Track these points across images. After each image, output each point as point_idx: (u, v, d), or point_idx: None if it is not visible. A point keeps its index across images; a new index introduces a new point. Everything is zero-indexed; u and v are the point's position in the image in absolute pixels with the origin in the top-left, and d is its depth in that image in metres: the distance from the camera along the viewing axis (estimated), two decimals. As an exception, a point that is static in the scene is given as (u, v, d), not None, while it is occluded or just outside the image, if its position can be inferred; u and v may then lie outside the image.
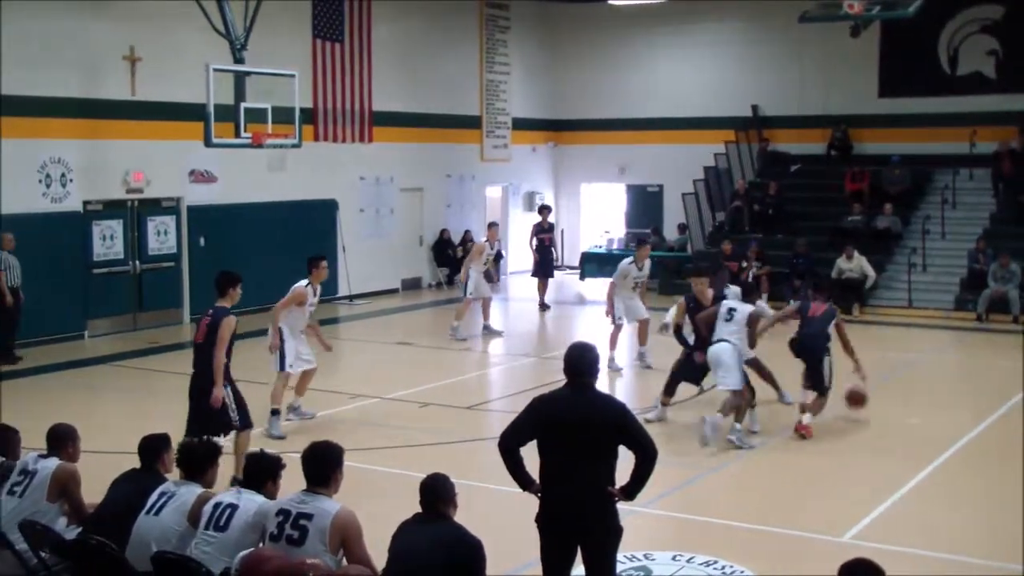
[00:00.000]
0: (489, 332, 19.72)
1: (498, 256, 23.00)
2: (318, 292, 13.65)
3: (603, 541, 6.84)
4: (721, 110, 28.16)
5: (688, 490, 11.11)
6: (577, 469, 6.73)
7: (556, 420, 6.80)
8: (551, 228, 24.42)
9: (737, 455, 12.28)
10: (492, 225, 20.76)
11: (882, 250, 23.76)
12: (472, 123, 28.73)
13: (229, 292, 10.71)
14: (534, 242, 23.80)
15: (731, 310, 12.96)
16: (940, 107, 25.74)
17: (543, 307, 23.32)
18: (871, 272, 22.55)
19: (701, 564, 8.89)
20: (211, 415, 10.36)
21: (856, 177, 25.69)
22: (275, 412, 13.17)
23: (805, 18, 23.37)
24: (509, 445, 6.88)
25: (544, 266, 23.60)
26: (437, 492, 6.45)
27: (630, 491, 6.82)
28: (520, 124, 30.27)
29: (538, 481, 6.89)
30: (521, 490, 6.98)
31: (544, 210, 24.26)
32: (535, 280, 23.71)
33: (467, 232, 27.73)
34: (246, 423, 10.75)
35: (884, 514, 10.25)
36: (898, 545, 9.25)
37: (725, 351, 12.66)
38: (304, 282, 13.39)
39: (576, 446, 6.72)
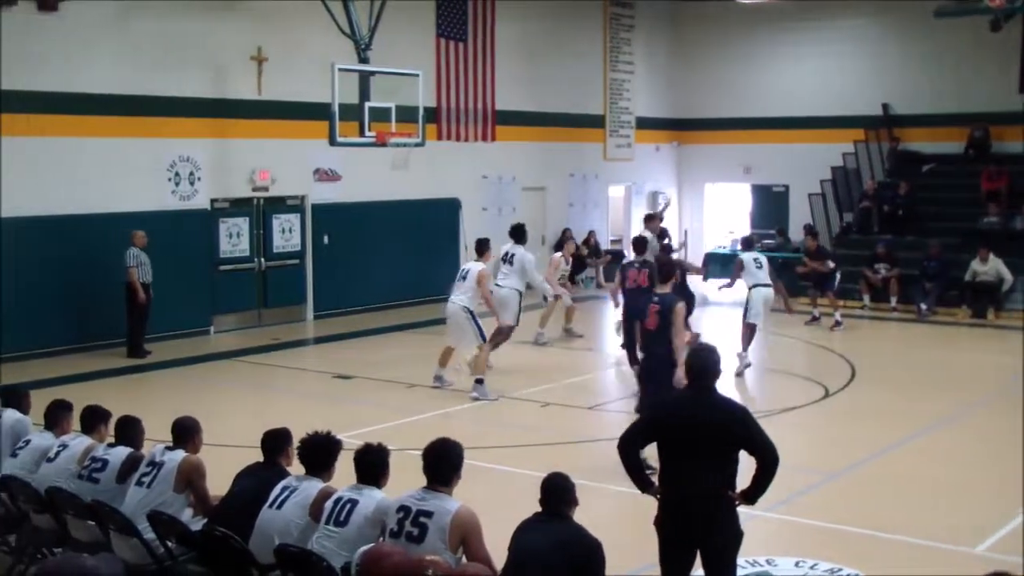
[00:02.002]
0: (571, 334, 19.54)
1: (577, 268, 24.36)
2: None
3: (723, 545, 6.73)
4: (850, 109, 27.62)
5: (812, 495, 10.84)
6: (697, 472, 6.63)
7: (676, 423, 6.73)
8: (663, 235, 23.78)
9: (863, 460, 11.98)
10: (569, 239, 21.39)
11: (1020, 252, 22.96)
12: (595, 122, 28.62)
13: (671, 280, 12.11)
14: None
15: (756, 259, 16.74)
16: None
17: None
18: (1007, 275, 21.83)
19: (825, 571, 8.66)
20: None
21: (993, 176, 24.89)
22: (480, 380, 14.85)
23: (941, 13, 22.74)
24: (628, 447, 6.83)
25: None
26: (559, 491, 6.36)
27: (751, 496, 6.71)
28: (644, 123, 30.08)
29: (658, 483, 6.81)
30: (640, 492, 6.91)
31: (650, 219, 23.90)
32: None
33: (591, 233, 27.66)
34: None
35: (1020, 527, 9.84)
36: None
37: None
38: (483, 265, 15.42)
39: (696, 449, 6.63)
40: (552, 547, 6.12)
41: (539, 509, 6.36)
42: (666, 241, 19.24)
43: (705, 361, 6.81)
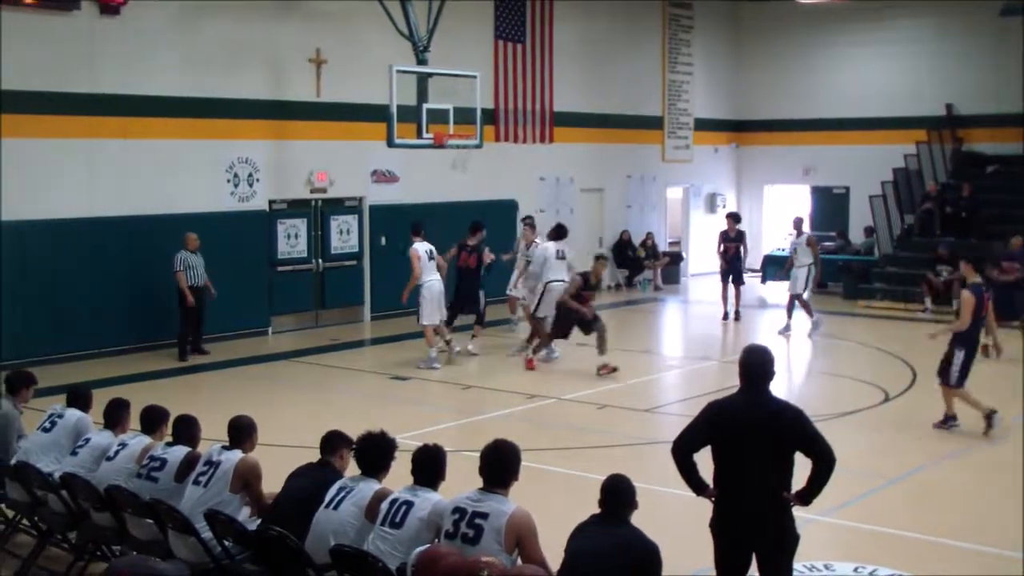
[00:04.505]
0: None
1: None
2: None
3: (779, 548, 6.69)
4: (912, 109, 27.30)
5: (871, 499, 10.71)
6: (752, 474, 6.59)
7: (730, 425, 6.68)
8: (739, 236, 23.30)
9: (923, 465, 11.82)
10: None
11: (1086, 255, 22.53)
12: (654, 123, 28.51)
13: (978, 269, 13.66)
14: (721, 248, 22.81)
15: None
16: None
17: (727, 315, 22.45)
18: (1072, 278, 21.46)
19: (884, 577, 8.56)
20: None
21: (1058, 177, 24.49)
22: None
23: (1007, 11, 22.42)
24: (683, 450, 6.80)
25: (730, 273, 22.55)
26: (620, 494, 6.31)
27: (806, 497, 6.66)
28: (702, 124, 29.93)
29: (712, 486, 6.77)
30: (695, 495, 6.86)
31: (730, 218, 23.23)
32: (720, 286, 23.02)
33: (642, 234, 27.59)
34: (959, 383, 12.96)
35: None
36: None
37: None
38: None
39: (751, 451, 6.59)
40: (610, 550, 6.08)
41: (596, 511, 6.32)
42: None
43: (758, 362, 6.74)
